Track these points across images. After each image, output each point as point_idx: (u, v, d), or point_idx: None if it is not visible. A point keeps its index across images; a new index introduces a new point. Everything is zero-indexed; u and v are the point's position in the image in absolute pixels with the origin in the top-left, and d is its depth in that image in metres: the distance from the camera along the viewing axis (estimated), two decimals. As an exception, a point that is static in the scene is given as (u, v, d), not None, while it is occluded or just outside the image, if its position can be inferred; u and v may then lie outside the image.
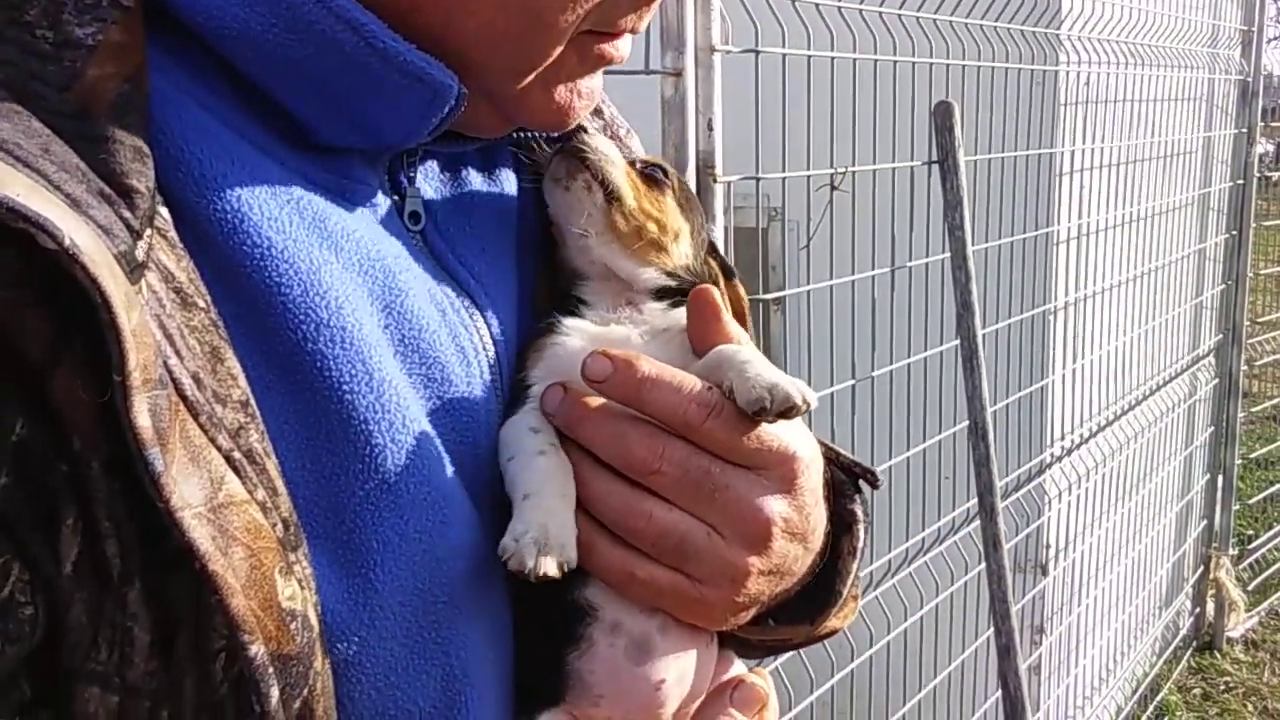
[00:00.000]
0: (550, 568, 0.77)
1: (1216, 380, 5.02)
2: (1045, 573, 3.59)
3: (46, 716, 0.61)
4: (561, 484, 0.82)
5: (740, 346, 0.87)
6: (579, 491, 0.83)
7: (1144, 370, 4.34)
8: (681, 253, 0.92)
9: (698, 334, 0.88)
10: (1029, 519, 3.39)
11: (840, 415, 2.48)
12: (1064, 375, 3.62)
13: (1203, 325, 4.94)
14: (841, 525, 0.94)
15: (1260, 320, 5.73)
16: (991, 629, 2.45)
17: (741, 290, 0.96)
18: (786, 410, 0.81)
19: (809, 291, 2.39)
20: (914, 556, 2.87)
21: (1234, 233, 4.96)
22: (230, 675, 0.64)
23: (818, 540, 0.89)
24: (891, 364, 2.66)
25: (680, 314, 0.89)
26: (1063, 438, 3.68)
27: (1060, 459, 3.63)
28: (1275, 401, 6.23)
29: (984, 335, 3.10)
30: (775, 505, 0.84)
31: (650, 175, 0.93)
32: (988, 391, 3.10)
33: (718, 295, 0.89)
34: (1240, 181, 4.94)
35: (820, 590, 0.93)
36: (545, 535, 0.78)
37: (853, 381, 2.53)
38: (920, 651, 2.92)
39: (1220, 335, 5.01)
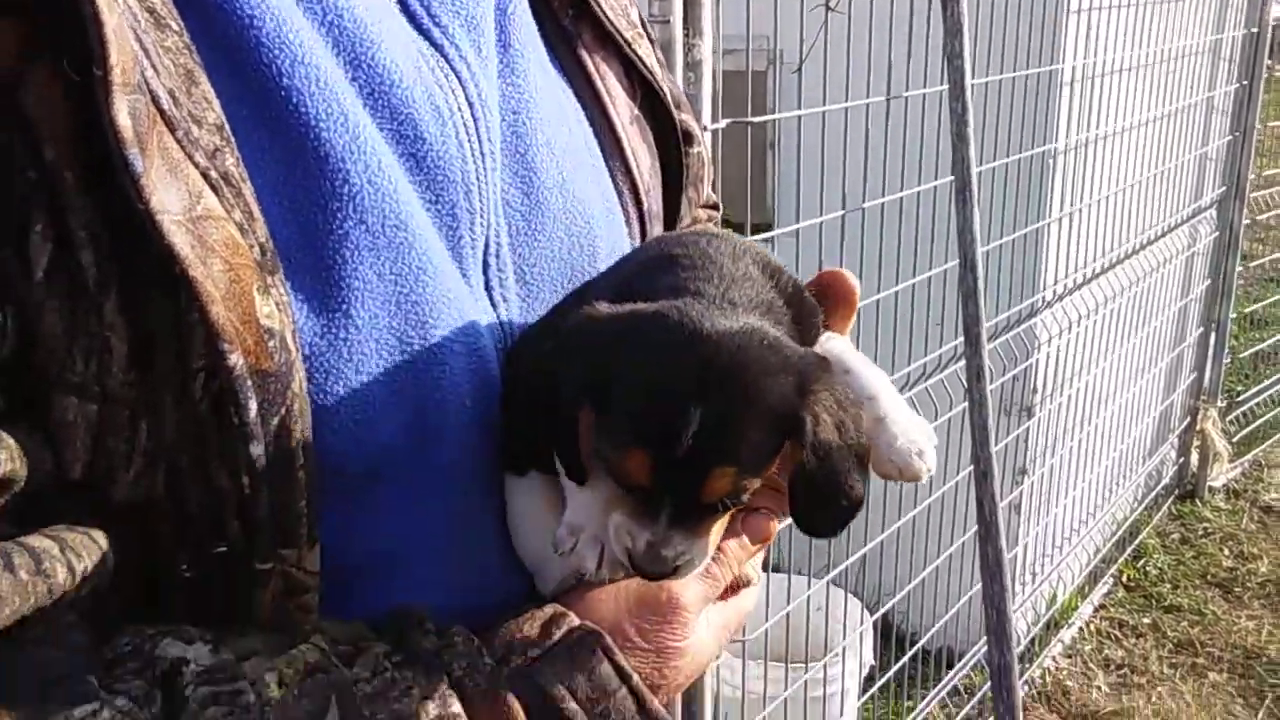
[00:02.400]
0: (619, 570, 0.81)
1: (1216, 234, 4.99)
2: (1030, 415, 3.64)
3: (23, 427, 0.63)
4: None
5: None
6: None
7: (1144, 219, 4.31)
8: None
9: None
10: (1016, 360, 3.43)
11: (829, 246, 2.48)
12: (1061, 219, 3.60)
13: (1207, 177, 4.89)
14: None
15: (1265, 174, 5.65)
16: (971, 463, 2.50)
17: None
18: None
19: (800, 117, 2.37)
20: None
21: (1244, 83, 4.86)
22: (210, 391, 0.66)
23: None
24: (884, 196, 2.65)
25: None
26: (1056, 282, 3.68)
27: (1052, 304, 3.64)
28: (1274, 257, 6.21)
29: (980, 173, 3.08)
30: None
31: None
32: (979, 225, 3.09)
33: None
34: (1254, 30, 4.82)
35: None
36: (593, 530, 0.81)
37: (842, 212, 2.52)
38: (900, 483, 2.98)
39: (1223, 188, 4.97)
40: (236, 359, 0.65)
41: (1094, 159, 3.76)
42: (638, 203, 1.04)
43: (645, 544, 0.74)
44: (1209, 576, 4.59)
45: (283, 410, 0.68)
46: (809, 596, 3.05)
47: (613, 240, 0.98)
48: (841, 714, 3.29)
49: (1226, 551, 4.78)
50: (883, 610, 3.17)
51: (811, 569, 3.26)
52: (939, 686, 3.46)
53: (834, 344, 0.89)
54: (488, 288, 0.87)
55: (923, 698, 3.50)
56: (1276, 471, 5.44)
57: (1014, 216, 3.34)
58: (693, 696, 2.48)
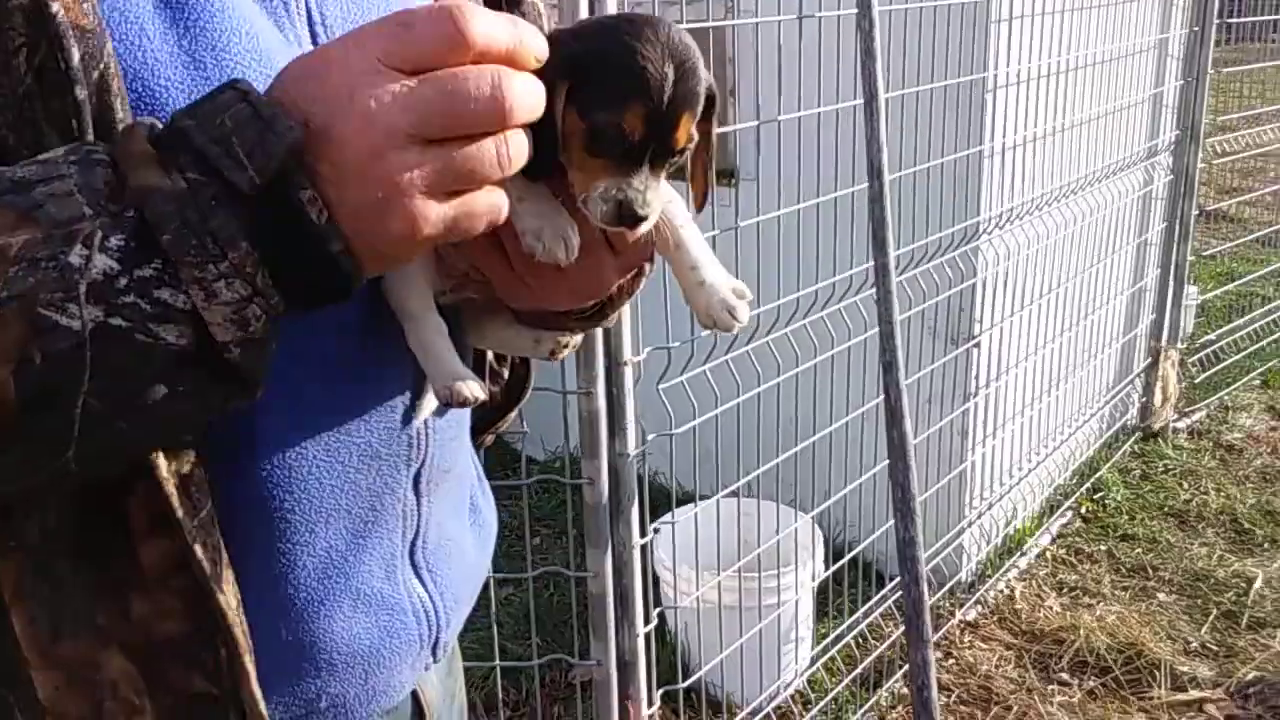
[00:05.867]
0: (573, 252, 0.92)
1: (1171, 178, 5.11)
2: (971, 339, 3.77)
3: None
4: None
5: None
6: None
7: (1093, 156, 4.42)
8: None
9: None
10: (951, 282, 3.55)
11: (745, 159, 2.62)
12: (1004, 144, 3.69)
13: (1162, 121, 5.01)
14: None
15: (1219, 120, 5.76)
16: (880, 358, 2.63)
17: None
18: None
19: (711, 28, 2.51)
20: (826, 302, 3.05)
21: (1196, 29, 4.97)
22: (33, 65, 0.73)
23: None
24: (800, 110, 2.78)
25: None
26: (1001, 209, 3.78)
27: (991, 231, 3.76)
28: (1226, 204, 6.30)
29: (912, 94, 3.21)
30: None
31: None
32: (911, 147, 3.23)
33: None
34: (1205, -24, 4.94)
35: None
36: (557, 227, 0.92)
37: (756, 122, 2.66)
38: (814, 398, 3.12)
39: (1177, 132, 5.08)
40: (58, 8, 0.73)
41: (1037, 91, 3.88)
42: None
43: (634, 189, 0.87)
44: (1166, 509, 4.71)
45: (101, 65, 0.76)
46: (759, 516, 3.19)
47: None
48: (796, 623, 3.44)
49: (1185, 485, 4.89)
50: (816, 513, 3.30)
51: (762, 492, 3.37)
52: (876, 597, 3.60)
53: (672, 208, 1.01)
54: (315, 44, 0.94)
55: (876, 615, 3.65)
56: (1241, 414, 5.55)
57: (952, 141, 3.45)
58: (627, 591, 2.62)
